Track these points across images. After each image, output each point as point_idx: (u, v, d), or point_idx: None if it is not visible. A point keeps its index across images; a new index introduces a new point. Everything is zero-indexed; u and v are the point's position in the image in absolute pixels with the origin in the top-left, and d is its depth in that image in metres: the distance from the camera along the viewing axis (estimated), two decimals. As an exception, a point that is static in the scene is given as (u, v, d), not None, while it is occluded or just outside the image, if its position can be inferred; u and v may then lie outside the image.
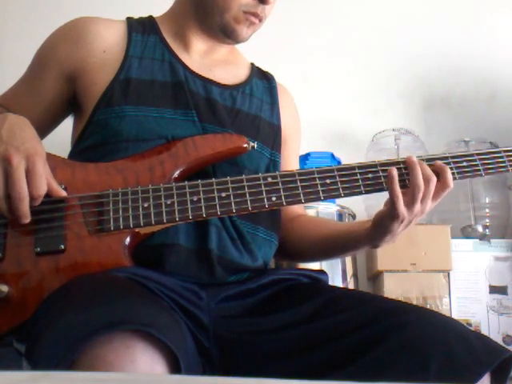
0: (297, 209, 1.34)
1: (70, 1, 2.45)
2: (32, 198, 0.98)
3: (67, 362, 0.74)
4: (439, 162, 1.10)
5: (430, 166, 1.10)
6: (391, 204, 1.07)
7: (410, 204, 1.07)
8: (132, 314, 0.79)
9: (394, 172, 1.08)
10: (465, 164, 1.14)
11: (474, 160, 1.15)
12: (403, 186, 1.09)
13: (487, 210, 2.35)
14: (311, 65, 2.57)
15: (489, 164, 1.15)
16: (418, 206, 1.07)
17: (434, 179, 1.07)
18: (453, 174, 1.11)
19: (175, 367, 0.78)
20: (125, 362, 0.75)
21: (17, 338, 0.97)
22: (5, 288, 0.96)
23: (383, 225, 1.10)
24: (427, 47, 2.60)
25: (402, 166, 1.11)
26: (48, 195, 1.02)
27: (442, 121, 2.58)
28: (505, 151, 1.17)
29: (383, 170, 1.11)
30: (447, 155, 1.14)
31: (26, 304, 0.96)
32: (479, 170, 1.14)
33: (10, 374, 0.54)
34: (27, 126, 1.06)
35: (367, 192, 1.10)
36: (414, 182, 1.07)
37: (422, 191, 1.06)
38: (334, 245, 1.25)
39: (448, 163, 1.12)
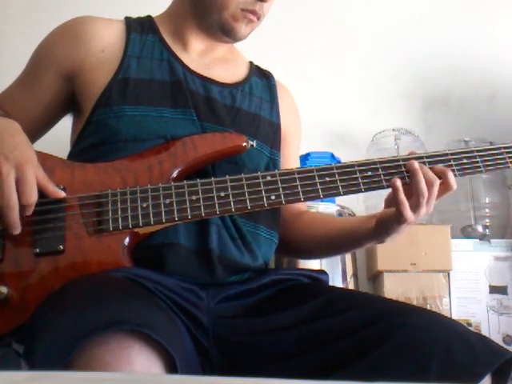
0: (300, 206, 1.34)
1: (69, 0, 2.45)
2: (22, 207, 0.97)
3: (63, 362, 0.73)
4: (439, 166, 1.10)
5: (430, 168, 1.10)
6: (398, 211, 1.07)
7: (415, 209, 1.07)
8: (129, 315, 0.79)
9: (398, 183, 1.08)
10: (465, 161, 1.14)
11: (474, 157, 1.15)
12: (403, 183, 1.09)
13: (487, 210, 2.34)
14: (311, 65, 2.57)
15: (489, 160, 1.15)
16: (423, 209, 1.07)
17: (437, 182, 1.07)
18: (453, 171, 1.11)
19: (172, 368, 0.78)
20: (121, 363, 0.75)
21: (16, 339, 0.97)
22: (4, 289, 0.96)
23: (389, 227, 1.11)
24: (427, 47, 2.60)
25: (401, 163, 1.11)
26: (47, 196, 1.02)
27: (442, 121, 2.58)
28: (505, 147, 1.17)
29: (383, 168, 1.11)
30: (447, 152, 1.14)
31: (25, 305, 0.96)
32: (479, 167, 1.14)
33: (10, 374, 0.54)
34: (17, 131, 1.05)
35: (367, 190, 1.10)
36: (417, 189, 1.07)
37: (426, 197, 1.06)
38: (338, 241, 1.25)
39: (448, 160, 1.13)
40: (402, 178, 1.09)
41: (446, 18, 2.61)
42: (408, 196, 1.08)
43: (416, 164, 1.08)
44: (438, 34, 2.60)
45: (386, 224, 1.11)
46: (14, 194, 0.96)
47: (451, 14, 2.62)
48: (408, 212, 1.06)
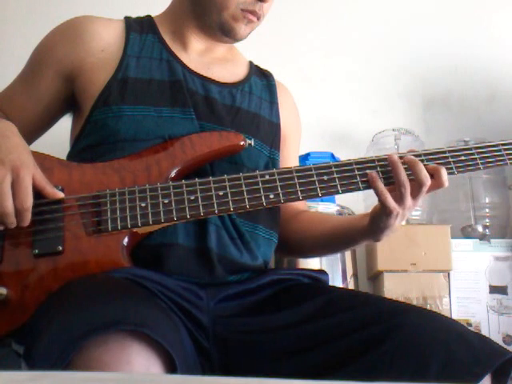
0: (299, 205, 1.34)
1: (69, 0, 2.45)
2: (17, 211, 0.97)
3: (62, 362, 0.73)
4: (432, 165, 1.09)
5: (424, 165, 1.09)
6: (380, 202, 1.08)
7: (399, 200, 1.07)
8: (128, 315, 0.79)
9: (374, 174, 1.08)
10: (463, 158, 1.14)
11: (473, 154, 1.14)
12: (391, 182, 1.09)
13: (487, 210, 2.34)
14: (311, 64, 2.57)
15: (487, 157, 1.15)
16: (408, 201, 1.07)
17: (428, 183, 1.07)
18: (451, 168, 1.11)
19: (171, 368, 0.78)
20: (120, 363, 0.75)
21: (15, 340, 0.97)
22: (3, 290, 0.96)
23: (380, 221, 1.10)
24: (427, 47, 2.60)
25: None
26: (45, 197, 1.02)
27: (442, 121, 2.58)
28: (503, 144, 1.17)
29: (381, 166, 1.10)
30: (445, 149, 1.14)
31: (24, 306, 0.96)
32: (477, 164, 1.14)
33: (10, 374, 0.54)
34: (12, 133, 1.06)
35: (365, 188, 1.10)
36: (397, 181, 1.07)
37: (407, 188, 1.06)
38: (336, 240, 1.25)
39: (446, 157, 1.12)
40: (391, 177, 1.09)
41: (446, 18, 2.61)
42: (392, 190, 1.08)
43: (395, 156, 1.08)
44: (438, 34, 2.60)
45: (377, 219, 1.11)
46: (10, 199, 0.97)
47: (451, 14, 2.61)
48: (390, 202, 1.06)
